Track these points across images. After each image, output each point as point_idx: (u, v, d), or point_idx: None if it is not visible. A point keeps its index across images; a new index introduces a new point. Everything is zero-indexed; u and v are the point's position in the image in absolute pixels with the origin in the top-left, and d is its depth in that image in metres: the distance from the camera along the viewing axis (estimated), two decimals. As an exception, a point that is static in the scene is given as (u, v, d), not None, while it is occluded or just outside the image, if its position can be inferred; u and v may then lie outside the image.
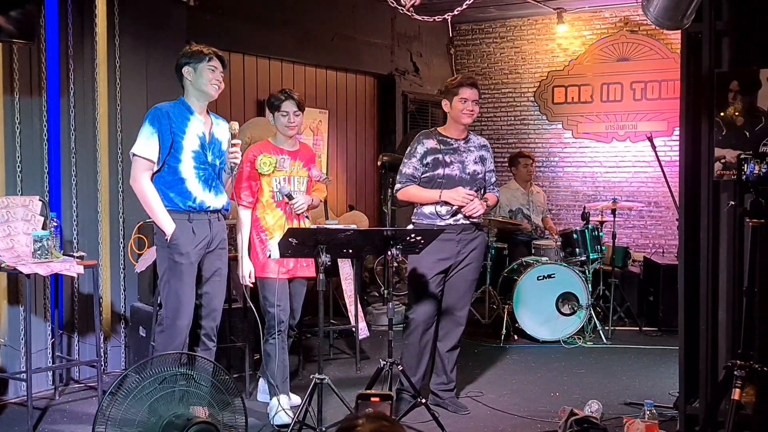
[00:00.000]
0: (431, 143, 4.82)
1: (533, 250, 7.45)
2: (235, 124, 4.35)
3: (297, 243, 4.05)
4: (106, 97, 5.73)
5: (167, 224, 4.16)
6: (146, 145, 4.16)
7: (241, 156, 4.41)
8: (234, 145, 4.30)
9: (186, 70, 4.26)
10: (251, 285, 4.75)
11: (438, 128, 4.95)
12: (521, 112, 10.12)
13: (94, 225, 5.71)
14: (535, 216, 8.10)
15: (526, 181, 8.19)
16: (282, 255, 4.21)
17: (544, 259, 7.16)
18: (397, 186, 4.89)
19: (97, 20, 5.63)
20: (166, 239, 4.17)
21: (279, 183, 4.75)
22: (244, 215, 4.74)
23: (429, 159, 4.80)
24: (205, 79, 4.24)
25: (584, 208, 7.25)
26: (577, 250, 6.95)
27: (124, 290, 5.89)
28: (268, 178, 4.72)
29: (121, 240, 5.85)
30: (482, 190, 4.93)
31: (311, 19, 8.02)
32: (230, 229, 4.99)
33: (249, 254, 4.76)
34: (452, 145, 4.84)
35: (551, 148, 9.91)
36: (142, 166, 4.17)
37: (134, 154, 4.18)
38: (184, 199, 4.21)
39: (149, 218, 5.66)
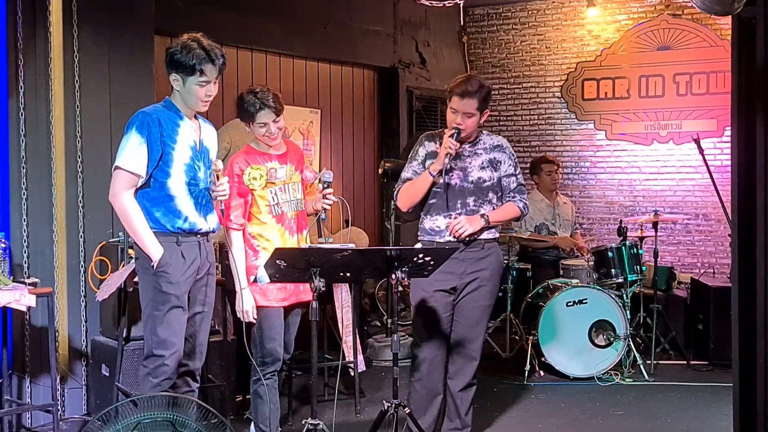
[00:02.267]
0: (433, 146, 4.88)
1: (561, 272, 7.45)
2: (219, 163, 4.37)
3: (286, 265, 4.03)
4: (62, 96, 5.72)
5: (154, 248, 4.14)
6: (133, 157, 4.12)
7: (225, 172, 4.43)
8: (221, 184, 4.32)
9: (173, 78, 4.25)
10: (253, 321, 4.75)
11: (444, 129, 4.94)
12: (546, 109, 10.14)
13: (49, 246, 5.71)
14: (563, 232, 8.09)
15: (550, 191, 8.19)
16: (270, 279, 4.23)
17: (574, 281, 7.14)
18: (395, 192, 4.98)
19: (51, 8, 5.60)
20: (152, 265, 4.16)
21: (320, 172, 4.77)
22: (237, 239, 4.73)
23: (430, 163, 4.85)
24: (194, 97, 4.24)
25: (620, 221, 7.22)
26: (612, 270, 6.94)
27: (85, 322, 5.87)
28: (262, 191, 4.75)
29: (81, 263, 5.86)
30: (493, 200, 4.91)
31: (300, 4, 8.04)
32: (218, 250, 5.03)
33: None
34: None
35: (581, 152, 9.93)
36: (125, 181, 4.15)
37: (118, 167, 4.15)
38: (173, 219, 4.23)
39: (113, 238, 5.78)
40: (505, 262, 7.04)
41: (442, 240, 4.81)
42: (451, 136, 4.72)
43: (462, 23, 10.26)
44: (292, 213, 4.85)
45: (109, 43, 5.99)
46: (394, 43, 9.33)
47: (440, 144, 4.82)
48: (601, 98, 9.81)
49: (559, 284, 7.08)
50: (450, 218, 4.81)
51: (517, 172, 4.95)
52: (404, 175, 4.95)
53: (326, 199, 4.78)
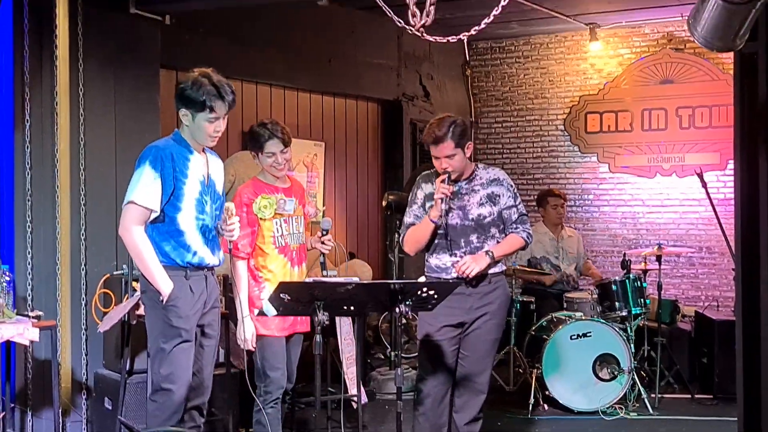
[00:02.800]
0: (430, 187, 4.90)
1: (565, 305, 7.42)
2: (232, 205, 4.42)
3: (290, 299, 4.04)
4: (68, 130, 5.76)
5: (164, 283, 4.16)
6: (147, 191, 4.13)
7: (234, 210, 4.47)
8: (231, 224, 4.35)
9: (183, 113, 4.27)
10: (253, 349, 4.80)
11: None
12: (549, 142, 10.16)
13: (52, 278, 5.72)
14: (566, 265, 8.09)
15: (555, 225, 8.19)
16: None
17: (578, 314, 7.12)
18: (400, 238, 5.05)
19: (57, 42, 5.68)
20: (162, 299, 4.18)
21: (317, 212, 4.95)
22: (242, 267, 4.79)
23: (428, 205, 4.88)
24: (203, 132, 4.26)
25: (624, 254, 7.22)
26: (616, 303, 6.93)
27: (86, 354, 5.88)
28: (268, 223, 4.80)
29: (83, 296, 5.86)
30: (496, 234, 4.90)
31: (305, 38, 8.09)
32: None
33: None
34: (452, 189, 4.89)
35: (585, 185, 9.96)
36: (138, 216, 4.17)
37: (132, 202, 4.16)
38: (183, 253, 4.25)
39: (117, 271, 5.79)
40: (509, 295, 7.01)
41: (448, 277, 4.81)
42: (443, 181, 4.73)
43: (466, 56, 10.38)
44: (295, 245, 4.94)
45: (115, 76, 6.04)
46: (398, 77, 9.40)
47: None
48: (604, 131, 9.84)
49: (563, 317, 7.06)
50: (455, 257, 4.81)
51: (517, 203, 4.93)
52: (407, 220, 4.99)
53: (324, 244, 4.98)
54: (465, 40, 5.98)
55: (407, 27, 4.82)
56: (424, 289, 4.20)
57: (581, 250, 8.33)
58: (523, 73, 10.29)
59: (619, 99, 9.75)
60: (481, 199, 4.87)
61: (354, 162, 9.13)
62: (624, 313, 6.90)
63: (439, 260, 4.88)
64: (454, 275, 4.79)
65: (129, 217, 4.17)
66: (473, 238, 4.83)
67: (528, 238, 4.94)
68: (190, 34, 6.86)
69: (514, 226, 4.91)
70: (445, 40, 5.27)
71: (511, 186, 4.96)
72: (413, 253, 5.02)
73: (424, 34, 4.86)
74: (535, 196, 8.63)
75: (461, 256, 4.80)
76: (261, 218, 4.76)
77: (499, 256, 4.86)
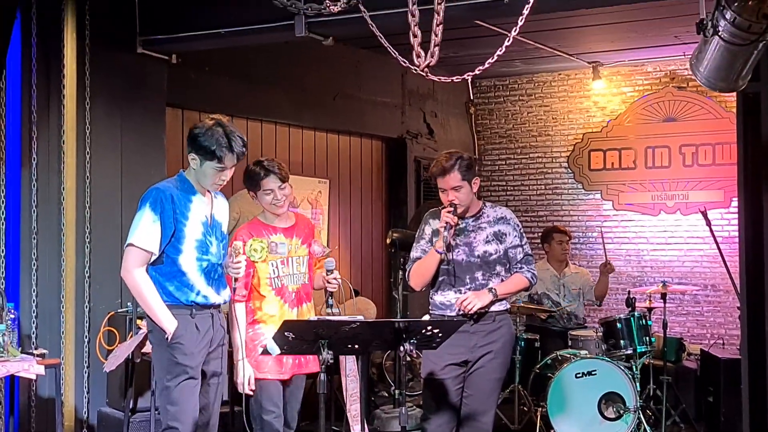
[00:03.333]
0: (437, 223, 4.92)
1: (570, 342, 7.38)
2: (239, 245, 4.40)
3: (294, 338, 4.03)
4: (74, 168, 5.80)
5: (168, 321, 4.19)
6: (146, 234, 4.18)
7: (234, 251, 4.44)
8: (237, 262, 4.34)
9: (192, 157, 4.30)
10: (251, 393, 4.76)
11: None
12: (553, 179, 10.17)
13: (57, 316, 5.74)
14: (568, 302, 8.03)
15: (560, 261, 8.16)
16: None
17: (583, 352, 7.05)
18: (406, 273, 5.05)
19: (65, 81, 5.75)
20: (167, 337, 4.20)
21: (324, 259, 4.90)
22: (240, 310, 4.76)
23: (436, 241, 4.88)
24: (209, 179, 4.31)
25: (629, 292, 7.19)
26: (621, 342, 6.85)
27: (87, 393, 5.86)
28: (263, 264, 4.76)
29: (87, 334, 5.86)
30: (501, 272, 4.91)
31: (309, 77, 8.13)
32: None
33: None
34: (459, 224, 4.90)
35: (588, 222, 9.93)
36: (138, 258, 4.20)
37: (131, 245, 4.20)
38: (187, 292, 4.28)
39: (121, 308, 5.80)
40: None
41: (452, 314, 4.82)
42: (450, 212, 4.79)
43: (470, 94, 10.42)
44: (294, 286, 4.89)
45: (122, 114, 6.10)
46: (402, 114, 9.44)
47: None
48: (608, 168, 9.83)
49: (568, 355, 7.00)
50: (459, 293, 4.82)
51: (523, 243, 4.95)
52: (413, 254, 5.00)
53: (329, 283, 4.89)
54: (469, 80, 5.94)
55: (411, 67, 4.85)
56: (429, 328, 4.19)
57: (588, 285, 8.19)
58: (527, 110, 10.31)
59: (623, 136, 9.76)
60: (487, 237, 4.90)
61: (358, 199, 9.14)
62: (629, 351, 6.81)
63: (443, 297, 4.89)
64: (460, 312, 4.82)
65: (130, 259, 4.21)
66: (478, 275, 4.84)
67: (533, 278, 4.96)
68: (196, 72, 6.91)
69: (519, 266, 4.93)
70: (449, 80, 5.25)
71: (518, 226, 5.00)
72: (419, 287, 5.02)
73: (429, 74, 4.87)
74: (539, 233, 8.61)
75: (466, 293, 4.81)
76: (253, 261, 4.66)
77: (502, 295, 4.86)
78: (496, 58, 4.94)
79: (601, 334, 7.05)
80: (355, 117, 8.82)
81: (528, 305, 7.70)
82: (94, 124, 5.91)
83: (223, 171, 4.28)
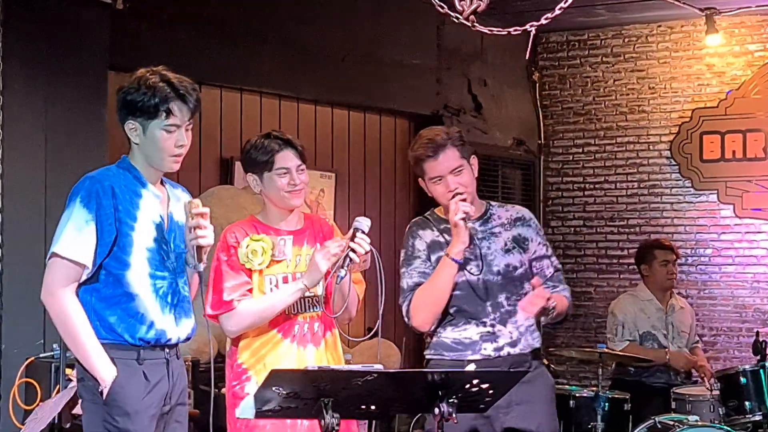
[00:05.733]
0: (430, 235, 4.76)
1: (674, 404, 7.15)
2: (198, 201, 4.14)
3: (286, 394, 3.76)
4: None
5: (104, 368, 3.95)
6: (75, 240, 3.93)
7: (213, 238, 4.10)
8: (197, 215, 4.05)
9: (130, 127, 4.04)
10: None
11: (436, 210, 4.82)
12: (650, 175, 9.79)
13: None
14: (676, 346, 7.77)
15: (665, 289, 7.86)
16: (258, 415, 3.90)
17: (692, 418, 6.70)
18: (404, 308, 4.84)
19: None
20: (101, 391, 3.94)
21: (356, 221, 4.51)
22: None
23: (435, 258, 4.71)
24: (160, 149, 4.04)
25: (757, 333, 7.02)
26: (746, 403, 6.66)
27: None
28: (260, 277, 4.50)
29: (-3, 388, 5.41)
30: (529, 291, 4.68)
31: (308, 31, 7.81)
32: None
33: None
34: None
35: (699, 234, 9.54)
36: (65, 274, 3.95)
37: (55, 254, 3.94)
38: (134, 325, 4.03)
39: (44, 353, 5.88)
40: (593, 390, 6.80)
41: (476, 356, 4.60)
42: (463, 200, 4.59)
43: (532, 54, 10.04)
44: (306, 315, 4.66)
45: (47, 80, 5.97)
46: (438, 82, 9.16)
47: (438, 230, 4.73)
48: (728, 159, 9.46)
49: (671, 422, 6.66)
50: (483, 327, 4.66)
51: (549, 253, 4.84)
52: (408, 282, 4.78)
53: (356, 246, 4.49)
54: (532, 33, 5.84)
55: (451, 14, 4.92)
56: (475, 382, 4.01)
57: (694, 328, 8.08)
58: (613, 77, 9.95)
59: (749, 114, 9.33)
60: (506, 245, 4.75)
61: (375, 200, 8.93)
62: (758, 417, 6.62)
63: (459, 333, 4.71)
64: (487, 352, 4.60)
65: (53, 275, 3.95)
66: (501, 298, 4.65)
67: (571, 306, 4.83)
68: (149, 25, 6.75)
69: (553, 284, 4.77)
70: (505, 32, 5.34)
71: (540, 228, 4.90)
72: (429, 325, 4.77)
73: (476, 24, 4.96)
74: (631, 250, 8.40)
75: (492, 324, 4.61)
76: (249, 269, 4.50)
77: (556, 314, 4.65)
78: (569, 2, 4.92)
79: (718, 392, 6.88)
80: (373, 86, 8.49)
81: (628, 352, 7.42)
82: (7, 95, 5.78)
83: (177, 130, 4.02)
